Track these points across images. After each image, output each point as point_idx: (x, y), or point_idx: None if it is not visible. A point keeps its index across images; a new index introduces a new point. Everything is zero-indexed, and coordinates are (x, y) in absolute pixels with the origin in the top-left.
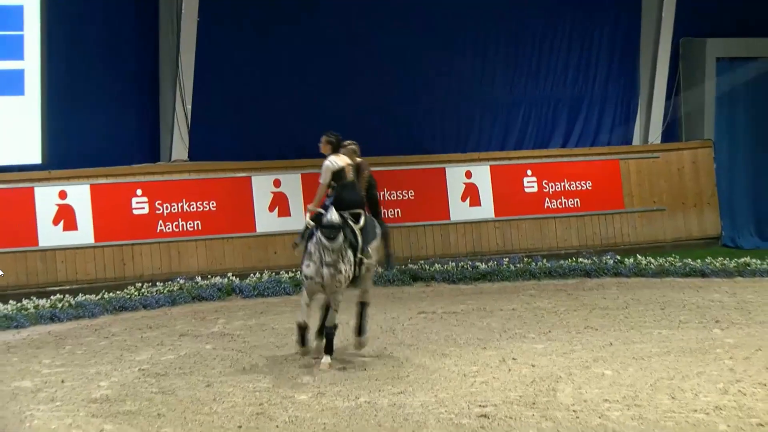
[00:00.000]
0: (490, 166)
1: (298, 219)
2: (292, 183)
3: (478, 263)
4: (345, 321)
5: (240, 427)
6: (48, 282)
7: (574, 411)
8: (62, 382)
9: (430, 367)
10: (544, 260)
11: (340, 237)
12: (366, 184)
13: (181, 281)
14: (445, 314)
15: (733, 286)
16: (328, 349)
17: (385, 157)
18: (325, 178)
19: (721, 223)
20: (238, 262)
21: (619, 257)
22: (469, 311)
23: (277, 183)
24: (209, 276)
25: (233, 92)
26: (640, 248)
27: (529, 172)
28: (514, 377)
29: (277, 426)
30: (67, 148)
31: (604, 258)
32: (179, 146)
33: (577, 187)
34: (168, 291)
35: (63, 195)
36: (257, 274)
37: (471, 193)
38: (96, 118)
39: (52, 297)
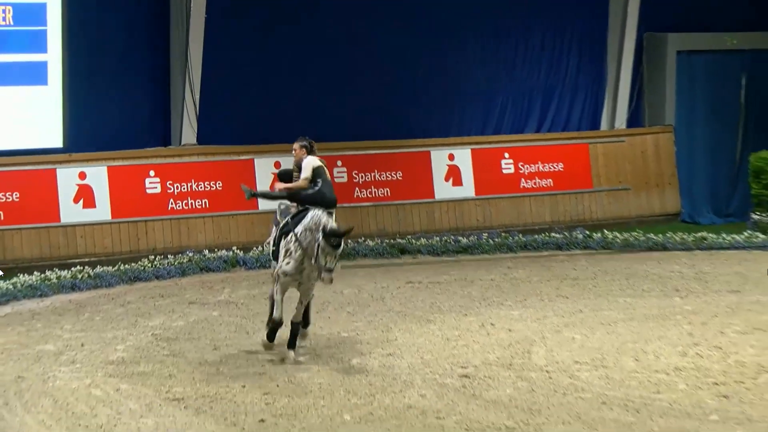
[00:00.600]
0: (471, 149)
1: None
2: (290, 165)
3: (460, 238)
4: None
5: (244, 386)
6: (69, 255)
7: (546, 371)
8: (82, 345)
9: (417, 331)
10: (520, 235)
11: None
12: None
13: (190, 254)
14: (430, 284)
15: (692, 258)
16: (293, 344)
17: (376, 142)
18: (307, 174)
19: (681, 201)
20: (242, 236)
21: (588, 232)
22: (451, 281)
23: (277, 165)
24: (216, 249)
25: (237, 82)
26: (607, 224)
27: (506, 155)
28: (492, 341)
29: (277, 385)
30: (87, 133)
31: (575, 233)
32: (188, 131)
33: (550, 168)
34: (178, 263)
35: (83, 176)
36: (259, 248)
37: (453, 174)
38: (112, 105)
39: (72, 268)
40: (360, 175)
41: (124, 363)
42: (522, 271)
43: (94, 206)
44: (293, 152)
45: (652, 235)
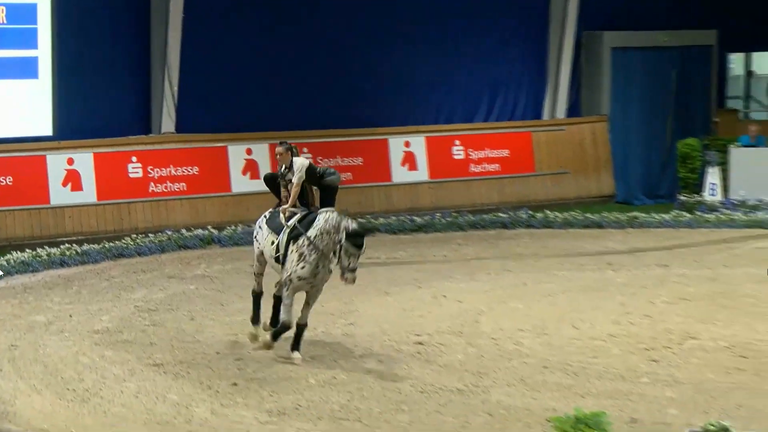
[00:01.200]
0: (425, 137)
1: None
2: (261, 151)
3: (415, 218)
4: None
5: (218, 353)
6: (58, 234)
7: (493, 338)
8: (70, 316)
9: (376, 303)
10: (470, 215)
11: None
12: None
13: (169, 233)
14: (388, 259)
15: (625, 235)
16: (298, 346)
17: (340, 130)
18: (300, 177)
19: (615, 184)
20: (216, 216)
21: (531, 212)
22: (407, 257)
23: (248, 151)
24: (192, 228)
25: (212, 75)
26: (549, 205)
27: (457, 143)
28: (444, 311)
29: (249, 352)
30: (74, 122)
31: (519, 213)
32: (168, 121)
33: (496, 154)
34: (158, 241)
35: (70, 161)
36: (233, 227)
37: (409, 160)
38: (98, 97)
39: (61, 246)
40: (324, 161)
41: (109, 332)
42: (471, 248)
43: (81, 189)
44: (278, 157)
45: (589, 215)
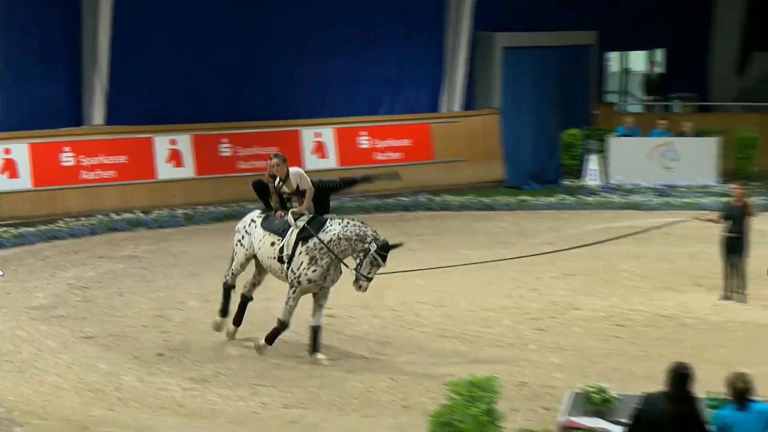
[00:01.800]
0: (334, 128)
1: (190, 169)
2: (183, 141)
3: None
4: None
5: (145, 326)
6: None
7: (395, 311)
8: (8, 293)
9: None
10: (374, 199)
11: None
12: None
13: (100, 217)
14: None
15: (515, 217)
16: (317, 347)
17: (257, 122)
18: (308, 181)
19: (506, 170)
20: (143, 201)
21: (430, 196)
22: None
23: (173, 142)
24: (121, 213)
25: (140, 71)
26: (446, 189)
27: (363, 133)
28: (352, 287)
29: (174, 325)
30: (11, 115)
31: (419, 197)
32: (98, 113)
33: (398, 144)
34: (89, 224)
35: (7, 151)
36: (158, 211)
37: (320, 149)
38: (33, 91)
39: None
40: (243, 150)
41: (44, 308)
42: (376, 229)
43: (18, 177)
44: (274, 168)
45: (482, 199)
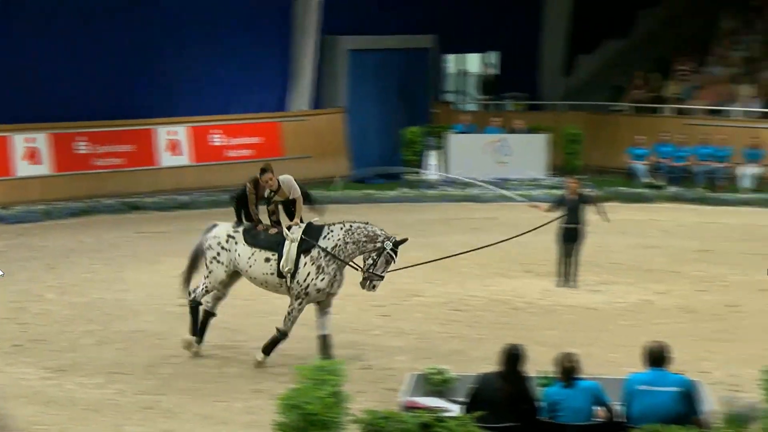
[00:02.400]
0: (188, 126)
1: (47, 166)
2: (41, 140)
3: (180, 196)
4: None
5: (4, 318)
6: None
7: (247, 300)
8: None
9: (145, 271)
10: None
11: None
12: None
13: None
14: (156, 233)
15: (361, 209)
16: (328, 354)
17: (113, 121)
18: (297, 190)
19: (351, 165)
20: (2, 198)
21: None
22: (174, 231)
23: (30, 140)
24: None
25: None
26: None
27: (216, 131)
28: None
29: (32, 316)
30: None
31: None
32: None
33: (250, 141)
34: None
35: None
36: (18, 207)
37: (174, 147)
38: None
39: None
40: (100, 148)
41: None
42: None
43: None
44: (267, 183)
45: (330, 193)
